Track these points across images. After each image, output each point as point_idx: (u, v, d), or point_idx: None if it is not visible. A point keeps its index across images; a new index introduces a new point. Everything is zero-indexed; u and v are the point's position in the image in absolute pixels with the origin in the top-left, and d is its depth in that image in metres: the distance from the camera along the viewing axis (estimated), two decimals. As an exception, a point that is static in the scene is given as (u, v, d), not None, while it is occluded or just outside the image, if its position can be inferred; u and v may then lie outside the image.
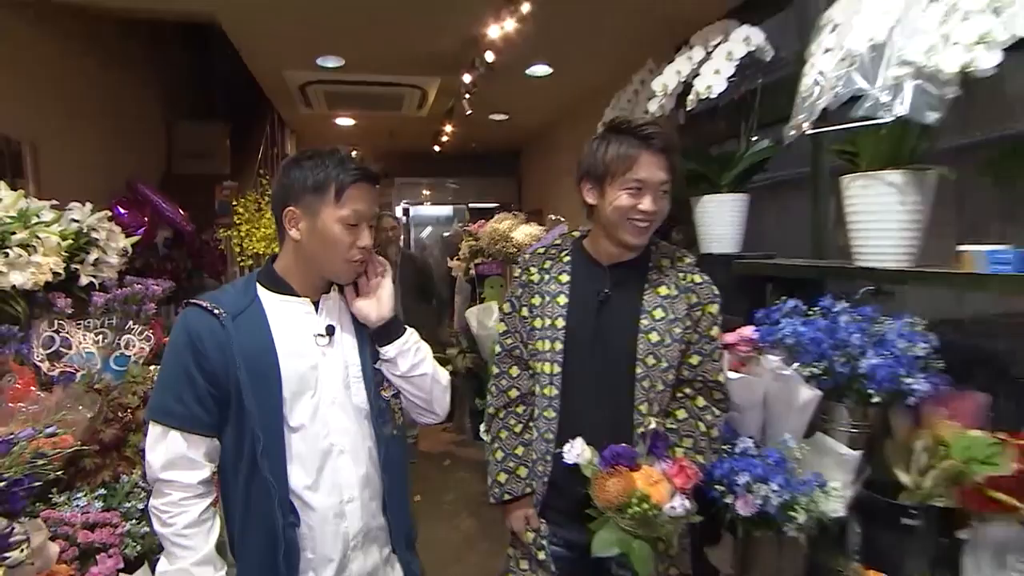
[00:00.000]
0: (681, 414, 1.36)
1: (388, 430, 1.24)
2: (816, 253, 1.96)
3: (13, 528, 0.94)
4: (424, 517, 2.59)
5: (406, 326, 1.28)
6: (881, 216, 1.36)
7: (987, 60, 1.02)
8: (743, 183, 2.10)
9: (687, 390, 1.37)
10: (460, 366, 3.51)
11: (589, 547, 1.20)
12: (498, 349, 1.49)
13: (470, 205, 8.10)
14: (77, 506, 1.42)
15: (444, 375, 1.34)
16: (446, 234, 4.58)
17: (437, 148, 6.13)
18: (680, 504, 1.11)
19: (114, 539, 1.38)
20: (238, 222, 2.72)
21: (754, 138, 2.09)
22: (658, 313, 1.33)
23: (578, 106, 4.34)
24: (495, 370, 1.49)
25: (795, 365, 1.29)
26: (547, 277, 1.42)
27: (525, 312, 1.43)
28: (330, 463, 1.18)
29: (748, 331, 1.46)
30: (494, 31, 2.48)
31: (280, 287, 1.20)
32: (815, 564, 1.26)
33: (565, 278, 1.41)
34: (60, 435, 1.28)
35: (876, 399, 1.25)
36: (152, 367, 1.94)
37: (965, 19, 1.08)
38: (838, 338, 1.25)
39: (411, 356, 1.24)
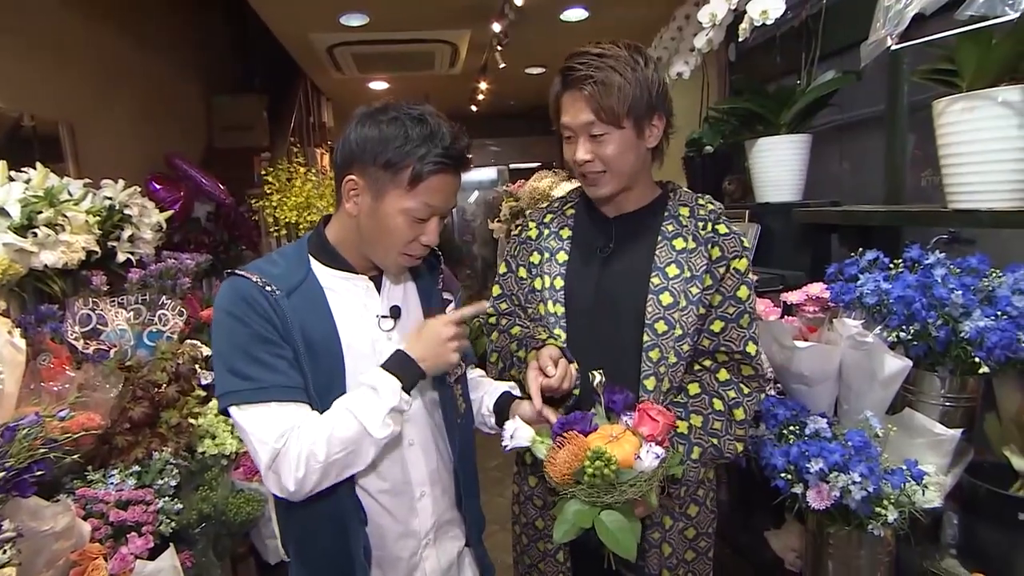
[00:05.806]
0: (694, 389, 1.10)
1: (455, 418, 1.11)
2: (892, 199, 1.70)
3: (1, 525, 0.86)
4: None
5: None
6: (989, 146, 1.12)
7: None
8: (804, 123, 1.84)
9: (707, 363, 1.11)
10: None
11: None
12: (491, 311, 1.29)
13: (511, 166, 7.89)
14: (111, 484, 1.40)
15: None
16: (490, 197, 4.52)
17: (474, 108, 5.96)
18: (647, 454, 0.87)
19: (148, 517, 1.35)
20: (269, 192, 2.66)
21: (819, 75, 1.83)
22: (672, 270, 1.10)
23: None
24: (493, 337, 1.29)
25: (877, 329, 1.08)
26: (547, 232, 1.25)
27: (523, 272, 1.25)
28: (399, 456, 1.05)
29: (817, 288, 1.25)
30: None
31: (335, 261, 1.04)
32: (903, 562, 1.08)
33: (566, 233, 1.23)
34: (71, 418, 1.23)
35: (984, 369, 1.04)
36: (186, 342, 1.93)
37: None
38: (935, 296, 1.04)
39: None
